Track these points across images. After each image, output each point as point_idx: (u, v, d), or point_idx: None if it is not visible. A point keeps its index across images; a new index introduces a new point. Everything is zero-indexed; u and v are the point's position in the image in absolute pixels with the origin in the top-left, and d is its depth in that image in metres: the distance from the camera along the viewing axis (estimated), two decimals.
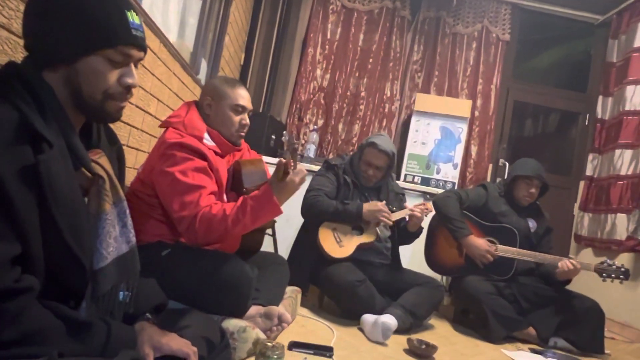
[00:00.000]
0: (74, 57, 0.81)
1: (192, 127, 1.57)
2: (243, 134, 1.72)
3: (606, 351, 2.39)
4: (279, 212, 1.50)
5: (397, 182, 2.89)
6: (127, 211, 0.92)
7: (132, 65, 0.87)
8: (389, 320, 2.00)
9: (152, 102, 2.12)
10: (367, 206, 2.31)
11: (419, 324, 2.28)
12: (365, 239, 2.36)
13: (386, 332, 1.96)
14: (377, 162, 2.41)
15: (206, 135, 1.60)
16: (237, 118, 1.67)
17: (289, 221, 2.72)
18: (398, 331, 2.07)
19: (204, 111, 1.66)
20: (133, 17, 0.84)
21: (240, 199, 1.51)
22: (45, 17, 0.80)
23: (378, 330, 1.96)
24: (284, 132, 3.96)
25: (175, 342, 0.90)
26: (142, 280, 1.01)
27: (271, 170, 1.65)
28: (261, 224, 1.53)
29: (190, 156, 1.50)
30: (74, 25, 0.79)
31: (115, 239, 0.88)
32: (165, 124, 1.63)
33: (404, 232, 2.50)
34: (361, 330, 2.09)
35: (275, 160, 3.29)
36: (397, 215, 2.37)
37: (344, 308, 2.30)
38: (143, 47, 0.87)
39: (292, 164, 1.49)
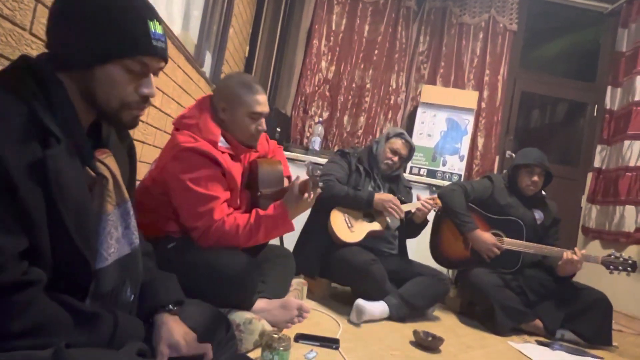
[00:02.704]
0: (91, 63, 0.79)
1: (207, 130, 1.53)
2: (259, 137, 1.67)
3: (614, 343, 2.38)
4: (292, 229, 1.56)
5: (404, 174, 2.90)
6: (132, 212, 0.91)
7: (151, 75, 0.85)
8: (365, 304, 2.06)
9: (157, 95, 2.11)
10: (379, 195, 2.35)
11: (417, 315, 2.28)
12: (375, 226, 2.39)
13: (359, 314, 2.04)
14: (402, 152, 2.52)
15: (221, 139, 1.57)
16: (253, 125, 1.61)
17: None
18: (392, 319, 2.14)
19: (218, 116, 1.60)
20: (155, 27, 0.82)
21: (254, 213, 1.53)
22: (68, 20, 0.79)
23: (353, 311, 2.05)
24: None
25: (194, 346, 0.92)
26: (164, 273, 1.04)
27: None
28: (272, 239, 1.59)
29: (204, 163, 1.48)
30: (95, 32, 0.78)
31: (117, 240, 0.87)
32: (179, 125, 1.58)
33: (409, 223, 2.50)
34: (367, 321, 2.09)
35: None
36: (406, 207, 2.38)
37: (357, 289, 2.29)
38: (164, 57, 0.85)
39: (310, 190, 1.50)
